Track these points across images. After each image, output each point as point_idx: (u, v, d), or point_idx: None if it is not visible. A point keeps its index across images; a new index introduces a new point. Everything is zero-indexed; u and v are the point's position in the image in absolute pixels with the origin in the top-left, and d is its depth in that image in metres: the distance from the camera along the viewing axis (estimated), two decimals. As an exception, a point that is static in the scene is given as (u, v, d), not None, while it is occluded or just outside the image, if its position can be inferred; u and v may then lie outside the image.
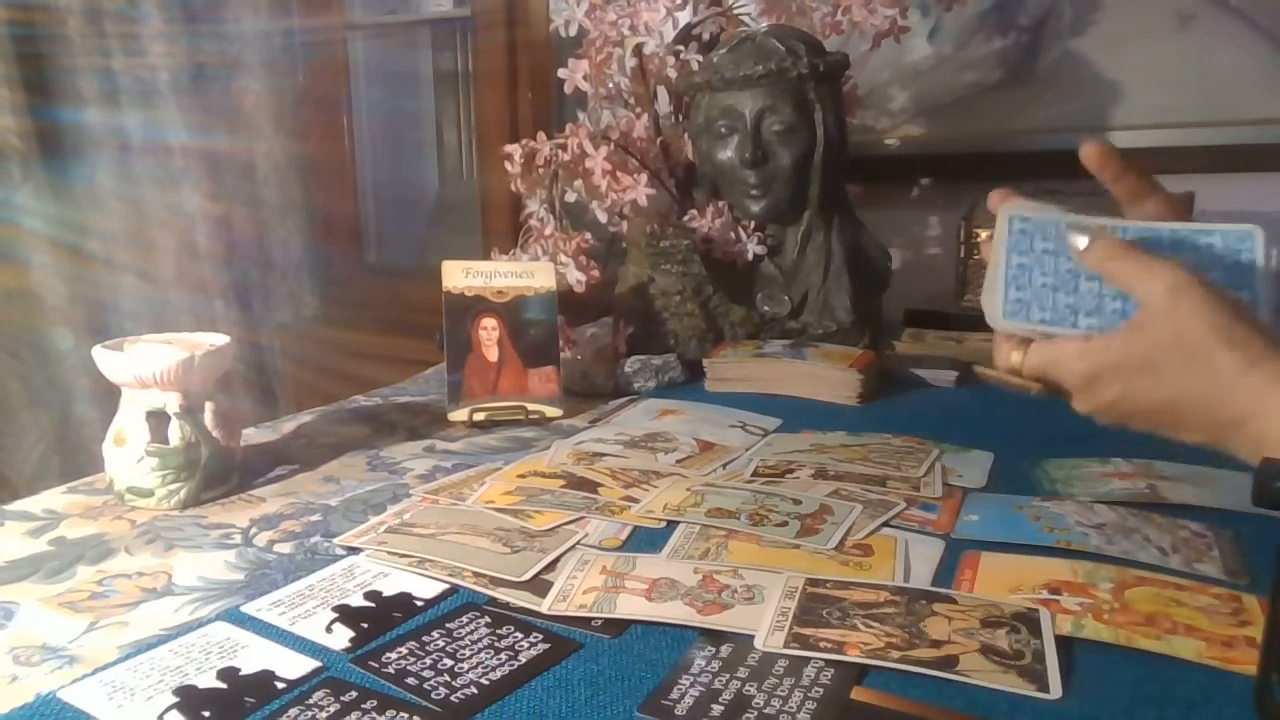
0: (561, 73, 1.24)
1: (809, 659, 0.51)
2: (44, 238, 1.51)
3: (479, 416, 0.98)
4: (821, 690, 0.49)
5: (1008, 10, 1.42)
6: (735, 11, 1.29)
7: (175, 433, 0.77)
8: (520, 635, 0.55)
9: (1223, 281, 0.53)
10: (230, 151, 1.79)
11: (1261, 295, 0.53)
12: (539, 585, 0.61)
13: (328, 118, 2.06)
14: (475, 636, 0.55)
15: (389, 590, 0.61)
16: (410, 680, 0.51)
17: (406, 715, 0.48)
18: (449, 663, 0.52)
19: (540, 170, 1.19)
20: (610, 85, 1.26)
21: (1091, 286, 0.56)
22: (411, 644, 0.54)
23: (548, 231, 1.16)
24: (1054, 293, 0.56)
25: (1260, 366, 0.49)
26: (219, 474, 0.80)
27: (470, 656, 0.53)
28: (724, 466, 0.84)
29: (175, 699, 0.49)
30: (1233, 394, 0.50)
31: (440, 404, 1.02)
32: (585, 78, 1.23)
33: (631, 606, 0.57)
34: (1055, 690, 0.48)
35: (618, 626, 0.56)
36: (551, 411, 1.00)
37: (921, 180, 1.51)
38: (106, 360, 0.77)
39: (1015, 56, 1.43)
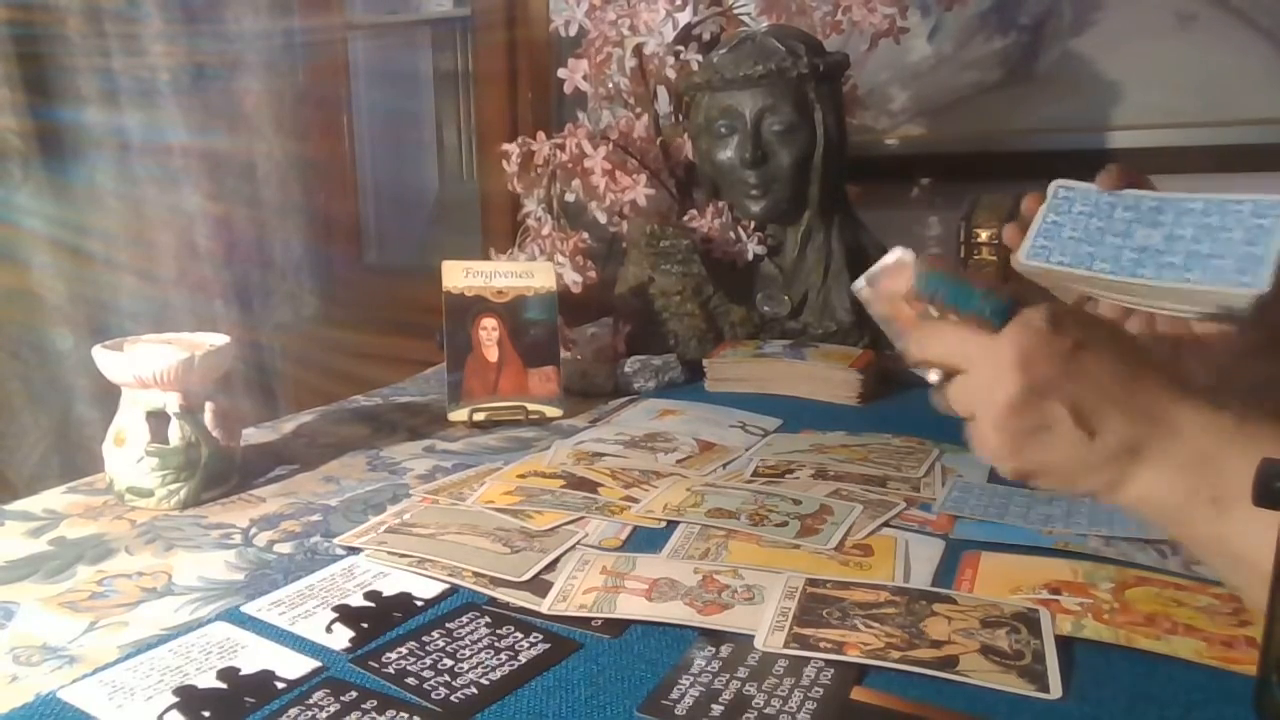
0: (561, 73, 1.24)
1: (809, 659, 0.51)
2: (44, 238, 1.51)
3: (479, 416, 0.98)
4: (821, 690, 0.49)
5: (1008, 10, 1.42)
6: (735, 11, 1.29)
7: (175, 433, 0.77)
8: (520, 635, 0.55)
9: (1240, 238, 0.56)
10: (230, 151, 1.79)
11: (1270, 253, 0.55)
12: (539, 585, 0.61)
13: (328, 118, 2.06)
14: (475, 636, 0.55)
15: (389, 590, 0.61)
16: (410, 680, 0.51)
17: (406, 715, 0.48)
18: (449, 663, 0.52)
19: (538, 170, 1.19)
20: (610, 85, 1.26)
21: (1115, 241, 0.60)
22: (411, 644, 0.54)
23: (545, 231, 1.16)
24: (1079, 244, 0.61)
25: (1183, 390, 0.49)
26: (219, 474, 0.80)
27: (470, 656, 0.53)
28: (724, 466, 0.84)
29: (175, 699, 0.49)
30: (1165, 388, 0.49)
31: (440, 404, 1.02)
32: (585, 78, 1.23)
33: (631, 606, 0.57)
34: (1055, 690, 0.48)
35: (618, 626, 0.56)
36: (551, 411, 1.00)
37: (921, 180, 1.51)
38: (106, 360, 0.77)
39: (1015, 56, 1.43)
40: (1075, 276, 0.61)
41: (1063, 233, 0.63)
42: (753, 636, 0.53)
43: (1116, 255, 0.60)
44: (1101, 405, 0.49)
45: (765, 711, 0.47)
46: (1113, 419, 0.49)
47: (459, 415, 0.98)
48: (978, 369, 0.52)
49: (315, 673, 0.52)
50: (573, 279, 1.12)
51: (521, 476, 0.81)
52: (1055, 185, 0.65)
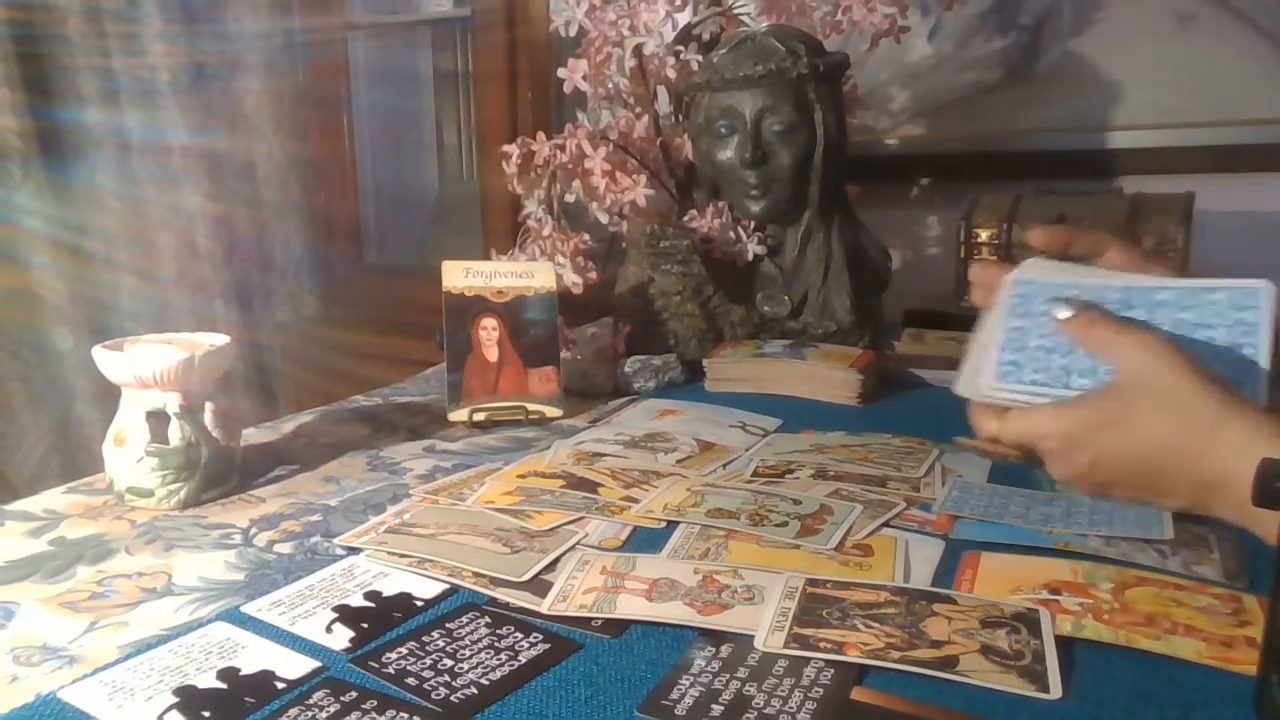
0: (561, 73, 1.24)
1: (809, 659, 0.51)
2: (44, 238, 1.51)
3: (479, 416, 0.98)
4: (821, 690, 0.49)
5: (1008, 10, 1.42)
6: (735, 11, 1.29)
7: (175, 433, 0.77)
8: (520, 635, 0.55)
9: (1225, 339, 0.52)
10: (230, 151, 1.79)
11: (1262, 354, 0.52)
12: (539, 585, 0.61)
13: (328, 118, 2.06)
14: (475, 636, 0.55)
15: (389, 590, 0.61)
16: (410, 680, 0.51)
17: (406, 715, 0.48)
18: (449, 663, 0.52)
19: (538, 171, 1.19)
20: (610, 85, 1.26)
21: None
22: (411, 644, 0.54)
23: (546, 232, 1.16)
24: (1049, 354, 0.56)
25: (1235, 421, 0.48)
26: (219, 474, 0.80)
27: (470, 656, 0.53)
28: (724, 466, 0.84)
29: (175, 699, 0.49)
30: (1212, 449, 0.49)
31: (440, 404, 1.02)
32: (585, 78, 1.23)
33: (631, 606, 0.57)
34: (1055, 690, 0.48)
35: (618, 626, 0.56)
36: (551, 411, 1.00)
37: (921, 180, 1.51)
38: (106, 360, 0.77)
39: (1015, 56, 1.43)
40: (1052, 397, 0.55)
41: (1028, 340, 0.56)
42: (753, 636, 0.53)
43: (1094, 368, 0.54)
44: (1141, 492, 0.53)
45: (765, 711, 0.47)
46: (1160, 498, 0.53)
47: (459, 415, 0.98)
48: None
49: (315, 673, 0.52)
50: (573, 280, 1.12)
51: (521, 476, 0.81)
52: (1012, 278, 0.58)
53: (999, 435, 0.56)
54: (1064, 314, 0.55)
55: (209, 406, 0.80)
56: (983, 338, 0.58)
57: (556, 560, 0.64)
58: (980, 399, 0.57)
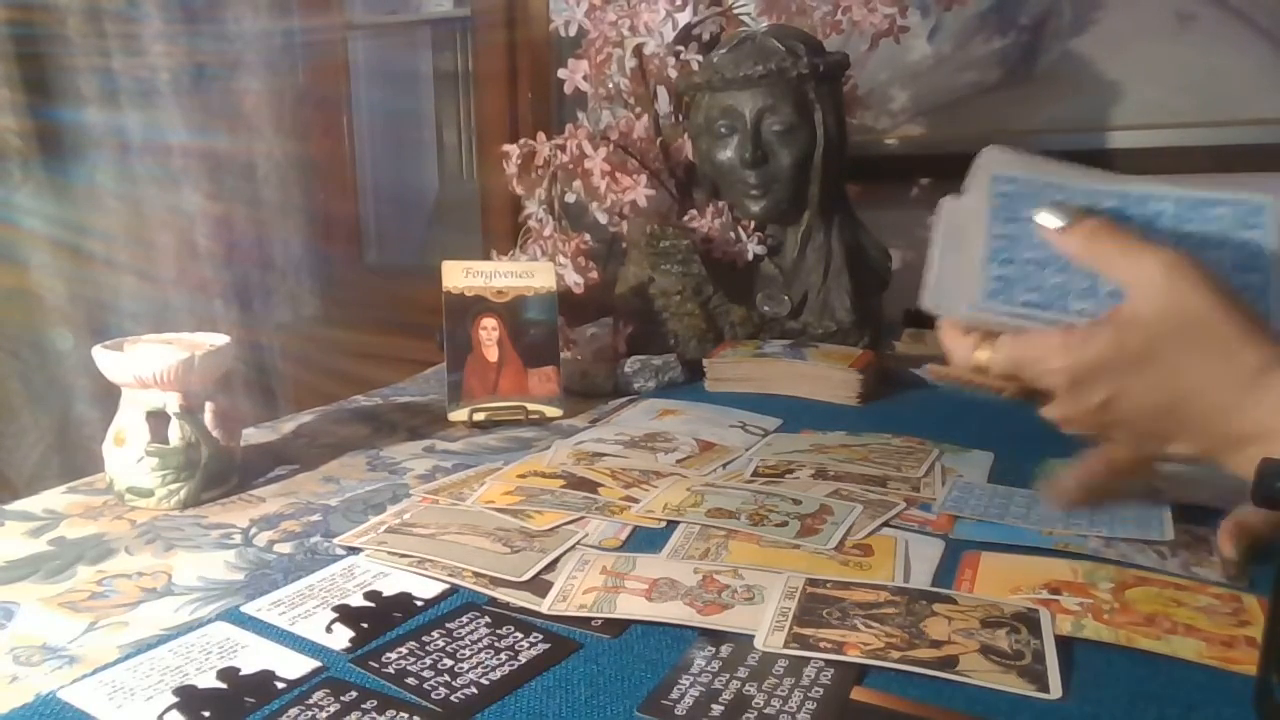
0: (561, 73, 1.24)
1: (809, 659, 0.51)
2: (44, 238, 1.51)
3: (479, 416, 0.98)
4: (821, 690, 0.49)
5: (1008, 10, 1.42)
6: (735, 11, 1.29)
7: (175, 433, 0.77)
8: (520, 635, 0.55)
9: (1229, 260, 0.46)
10: (230, 151, 1.79)
11: (1272, 278, 0.46)
12: (539, 585, 0.61)
13: (328, 118, 2.06)
14: (475, 636, 0.55)
15: (389, 590, 0.61)
16: (410, 680, 0.51)
17: (406, 715, 0.48)
18: (449, 663, 0.52)
19: (539, 171, 1.19)
20: (610, 86, 1.26)
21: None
22: (411, 644, 0.54)
23: (546, 232, 1.16)
24: (1041, 270, 0.47)
25: (1275, 375, 0.42)
26: (219, 474, 0.80)
27: (470, 656, 0.53)
28: (724, 466, 0.84)
29: (175, 699, 0.49)
30: (1249, 400, 0.42)
31: (440, 404, 1.02)
32: (585, 78, 1.23)
33: (631, 606, 0.57)
34: (1055, 690, 0.48)
35: (618, 626, 0.56)
36: (551, 411, 1.00)
37: (921, 180, 1.51)
38: (106, 360, 0.77)
39: (1015, 56, 1.43)
40: (1044, 322, 0.48)
41: (1018, 252, 0.48)
42: (753, 636, 0.53)
43: (1093, 288, 0.46)
44: (1150, 439, 0.47)
45: (765, 711, 0.47)
46: (1169, 444, 0.47)
47: (459, 415, 0.98)
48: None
49: (315, 673, 0.52)
50: (574, 280, 1.12)
51: (521, 476, 0.81)
52: (992, 175, 0.48)
53: (987, 364, 0.49)
54: (1054, 222, 0.47)
55: (209, 406, 0.80)
56: (953, 239, 0.50)
57: (556, 560, 0.64)
58: (956, 317, 0.50)
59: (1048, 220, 0.47)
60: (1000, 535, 0.67)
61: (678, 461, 0.85)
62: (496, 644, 0.54)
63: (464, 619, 0.57)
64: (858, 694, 0.49)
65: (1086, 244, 0.46)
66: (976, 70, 1.45)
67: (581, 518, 0.71)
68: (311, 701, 0.49)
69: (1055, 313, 0.47)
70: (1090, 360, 0.46)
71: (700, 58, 1.20)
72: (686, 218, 1.21)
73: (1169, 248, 0.45)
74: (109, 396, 0.82)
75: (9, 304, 1.50)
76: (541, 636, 0.55)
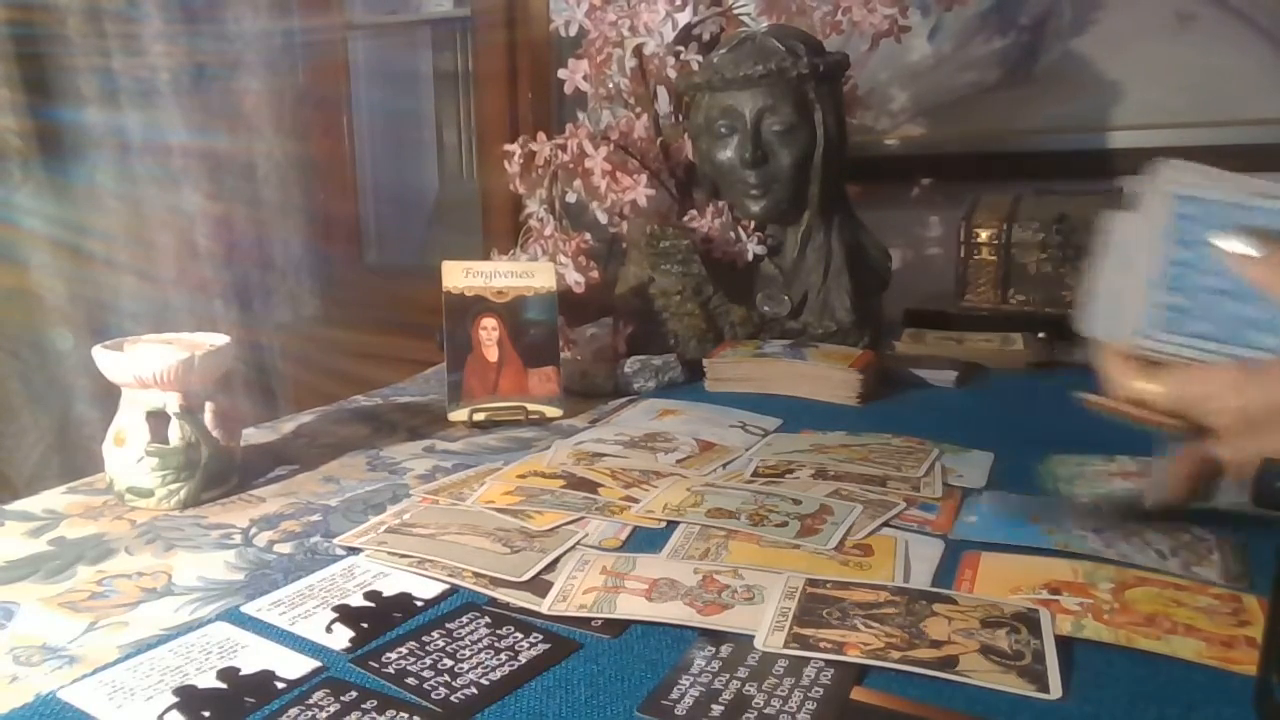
0: (561, 73, 1.24)
1: (809, 659, 0.51)
2: (44, 238, 1.51)
3: (479, 416, 0.98)
4: (821, 690, 0.49)
5: (1008, 10, 1.42)
6: (735, 11, 1.29)
7: (175, 433, 0.77)
8: (520, 635, 0.55)
9: None
10: (230, 151, 1.79)
11: None
12: (539, 585, 0.61)
13: (328, 118, 2.06)
14: (475, 637, 0.55)
15: (389, 590, 0.61)
16: (410, 680, 0.51)
17: (406, 715, 0.48)
18: (449, 663, 0.52)
19: (539, 171, 1.19)
20: (610, 85, 1.26)
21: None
22: (411, 644, 0.54)
23: (547, 232, 1.16)
24: (1219, 299, 0.42)
25: None
26: (219, 474, 0.80)
27: (470, 657, 0.53)
28: (724, 466, 0.84)
29: (175, 699, 0.49)
30: None
31: (440, 404, 1.02)
32: (585, 78, 1.23)
33: (631, 606, 0.57)
34: (1055, 690, 0.48)
35: (618, 626, 0.56)
36: (551, 411, 1.00)
37: (921, 180, 1.51)
38: (106, 360, 0.77)
39: (1015, 56, 1.43)
40: (1218, 356, 0.43)
41: (1196, 280, 0.42)
42: (753, 636, 0.53)
43: (1276, 322, 0.41)
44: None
45: (765, 711, 0.47)
46: None
47: (459, 415, 0.98)
48: None
49: (315, 673, 0.52)
50: (575, 280, 1.12)
51: (521, 476, 0.81)
52: (1172, 190, 0.44)
53: (1152, 399, 0.45)
54: (1243, 249, 0.42)
55: (209, 406, 0.80)
56: (1123, 261, 0.46)
57: (556, 560, 0.64)
58: (1122, 344, 0.45)
59: (1237, 247, 0.43)
60: (1000, 535, 0.67)
61: (678, 462, 0.85)
62: (496, 644, 0.54)
63: (464, 619, 0.57)
64: (858, 694, 0.49)
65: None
66: (977, 70, 1.45)
67: (581, 518, 0.71)
68: (311, 701, 0.49)
69: (1231, 346, 0.43)
70: (1267, 401, 0.42)
71: (700, 58, 1.20)
72: (686, 218, 1.21)
73: None
74: (109, 396, 0.82)
75: (9, 304, 1.50)
76: (541, 636, 0.55)
